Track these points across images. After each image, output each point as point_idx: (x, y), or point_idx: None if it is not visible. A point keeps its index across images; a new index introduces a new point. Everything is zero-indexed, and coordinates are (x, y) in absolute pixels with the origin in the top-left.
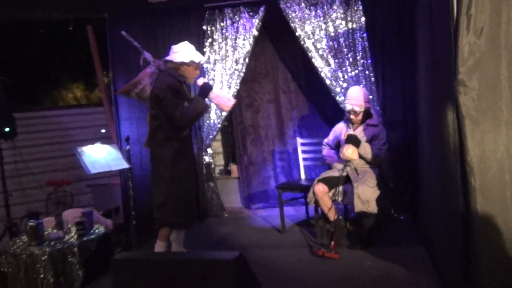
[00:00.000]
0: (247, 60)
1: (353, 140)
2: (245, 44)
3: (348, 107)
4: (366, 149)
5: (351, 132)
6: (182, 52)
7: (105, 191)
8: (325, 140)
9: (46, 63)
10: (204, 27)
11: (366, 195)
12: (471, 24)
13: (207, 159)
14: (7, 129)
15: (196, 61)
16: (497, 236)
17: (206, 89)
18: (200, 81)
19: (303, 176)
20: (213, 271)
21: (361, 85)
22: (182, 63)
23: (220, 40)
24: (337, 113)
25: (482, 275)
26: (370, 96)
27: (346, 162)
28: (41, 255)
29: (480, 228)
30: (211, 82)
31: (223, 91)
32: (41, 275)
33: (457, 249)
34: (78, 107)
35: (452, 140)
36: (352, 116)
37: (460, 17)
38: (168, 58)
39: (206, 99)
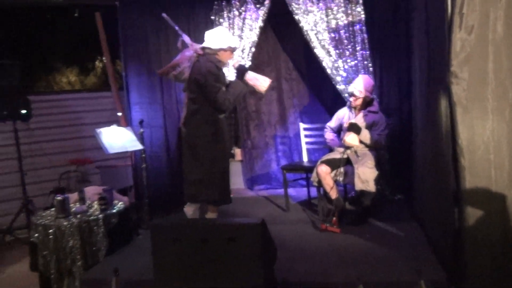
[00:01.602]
0: (252, 49)
1: (354, 128)
2: (251, 34)
3: (350, 89)
4: (366, 136)
5: (352, 119)
6: (219, 38)
7: (113, 172)
8: (328, 124)
9: (41, 47)
10: (212, 17)
11: (366, 175)
12: (463, 22)
13: None
14: (23, 111)
15: (233, 46)
16: (483, 209)
17: (242, 71)
18: (236, 64)
19: (305, 159)
20: (240, 234)
21: (360, 74)
22: (220, 49)
23: (227, 30)
24: (337, 101)
25: (470, 246)
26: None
27: (347, 146)
28: (69, 226)
29: (468, 202)
30: None
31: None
32: (70, 244)
33: (448, 222)
34: (86, 91)
35: (445, 125)
36: (351, 99)
37: (453, 16)
38: (205, 44)
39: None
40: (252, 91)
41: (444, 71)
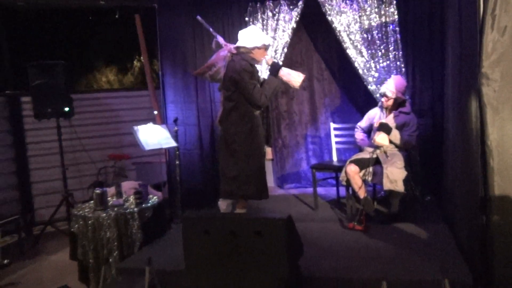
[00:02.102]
0: (285, 50)
1: (384, 128)
2: (284, 35)
3: (382, 89)
4: (396, 136)
5: (383, 119)
6: (253, 36)
7: (148, 168)
8: (359, 124)
9: (82, 47)
10: (247, 19)
11: (395, 175)
12: (495, 23)
13: None
14: (66, 109)
15: (266, 43)
16: None
17: (276, 67)
18: (269, 61)
19: (335, 158)
20: (266, 228)
21: (392, 75)
22: (254, 47)
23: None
24: (369, 101)
25: (497, 249)
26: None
27: (376, 146)
28: (107, 218)
29: (496, 205)
30: None
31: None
32: (107, 235)
33: (476, 225)
34: (124, 90)
35: (475, 126)
36: (383, 99)
37: (486, 17)
38: (239, 44)
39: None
40: (284, 91)
41: (475, 72)
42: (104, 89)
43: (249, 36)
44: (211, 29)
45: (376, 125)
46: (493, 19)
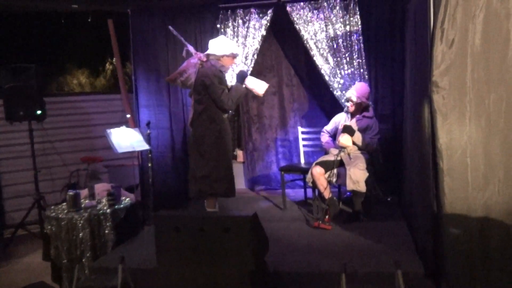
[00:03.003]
0: (255, 56)
1: (348, 130)
2: (254, 42)
3: (348, 94)
4: (359, 138)
5: (348, 122)
6: (222, 45)
7: (120, 171)
8: (325, 128)
9: (54, 50)
10: (218, 26)
11: (357, 176)
12: (444, 36)
13: None
14: (38, 112)
15: (235, 52)
16: (460, 209)
17: (243, 76)
18: (237, 69)
19: (302, 160)
20: (234, 225)
21: (356, 82)
22: (223, 55)
23: (231, 37)
24: (335, 107)
25: (448, 244)
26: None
27: (341, 148)
28: (80, 219)
29: (446, 202)
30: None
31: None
32: (80, 236)
33: (429, 221)
34: (97, 94)
35: (427, 130)
36: (348, 104)
37: (435, 30)
38: (209, 52)
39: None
40: (255, 96)
41: (427, 80)
42: (77, 92)
43: (219, 45)
44: (182, 39)
45: (340, 127)
46: (442, 32)
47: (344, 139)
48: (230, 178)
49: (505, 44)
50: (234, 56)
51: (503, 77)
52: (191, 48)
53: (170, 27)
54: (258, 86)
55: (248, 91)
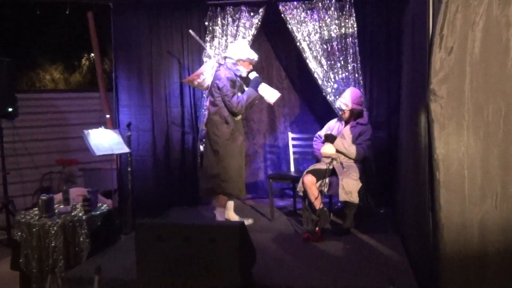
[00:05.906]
0: None
1: (329, 138)
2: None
3: (337, 103)
4: (344, 144)
5: (341, 130)
6: (239, 49)
7: (97, 175)
8: (318, 133)
9: (26, 43)
10: (206, 23)
11: (350, 186)
12: (443, 43)
13: (202, 148)
14: (10, 109)
15: (251, 58)
16: (457, 222)
17: (257, 82)
18: (252, 75)
19: (292, 168)
20: (220, 235)
21: (350, 87)
22: (239, 59)
23: (220, 36)
24: (328, 112)
25: (444, 259)
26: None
27: (325, 157)
28: (53, 226)
29: (442, 215)
30: None
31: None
32: (53, 244)
33: (424, 236)
34: (73, 91)
35: (423, 140)
36: (340, 113)
37: (434, 37)
38: (226, 54)
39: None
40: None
41: (424, 88)
42: (52, 89)
43: (235, 49)
44: (202, 42)
45: (323, 137)
46: (441, 39)
47: (325, 148)
48: (240, 179)
49: (505, 53)
50: (250, 61)
51: (503, 87)
52: (210, 52)
53: (191, 31)
54: (270, 94)
55: (260, 98)
